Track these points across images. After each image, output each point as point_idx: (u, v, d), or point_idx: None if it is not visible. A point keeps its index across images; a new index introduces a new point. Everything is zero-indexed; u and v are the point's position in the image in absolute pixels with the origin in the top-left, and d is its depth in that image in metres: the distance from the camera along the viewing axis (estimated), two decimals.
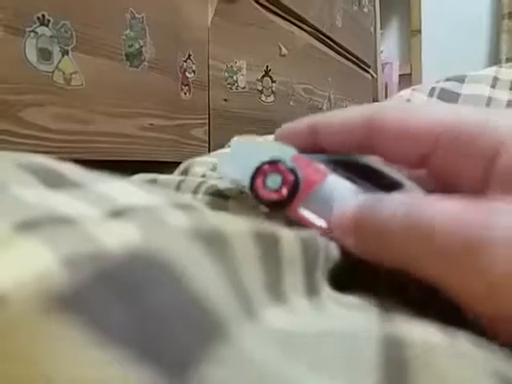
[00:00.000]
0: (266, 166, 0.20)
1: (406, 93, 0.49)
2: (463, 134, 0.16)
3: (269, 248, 0.12)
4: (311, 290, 0.14)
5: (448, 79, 0.48)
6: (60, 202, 0.11)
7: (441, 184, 0.18)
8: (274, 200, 0.19)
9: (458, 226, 0.14)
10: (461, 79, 0.48)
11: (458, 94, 0.47)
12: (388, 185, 0.19)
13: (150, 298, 0.08)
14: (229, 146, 0.23)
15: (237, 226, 0.12)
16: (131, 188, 0.13)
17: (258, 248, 0.12)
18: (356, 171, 0.20)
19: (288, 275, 0.13)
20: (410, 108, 0.18)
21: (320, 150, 0.20)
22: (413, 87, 0.50)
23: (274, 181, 0.20)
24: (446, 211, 0.14)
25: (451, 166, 0.17)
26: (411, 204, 0.15)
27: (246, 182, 0.20)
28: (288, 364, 0.09)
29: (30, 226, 0.09)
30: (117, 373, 0.07)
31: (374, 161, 0.20)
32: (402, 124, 0.18)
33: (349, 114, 0.19)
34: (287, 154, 0.20)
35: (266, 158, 0.20)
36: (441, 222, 0.14)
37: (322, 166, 0.20)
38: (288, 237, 0.13)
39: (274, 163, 0.20)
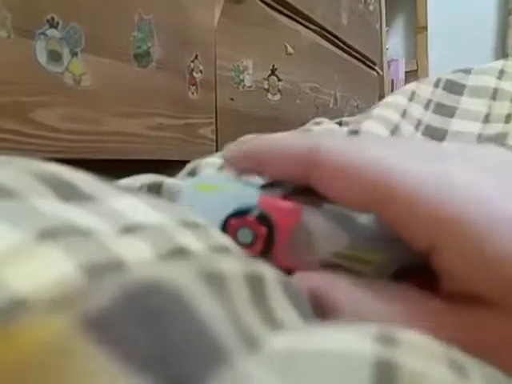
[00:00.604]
0: (233, 221, 0.18)
1: (411, 85, 0.49)
2: (401, 204, 0.15)
3: (258, 288, 0.13)
4: (303, 320, 0.14)
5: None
6: (74, 214, 0.11)
7: None
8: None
9: None
10: (467, 71, 0.48)
11: (464, 86, 0.47)
12: None
13: (168, 327, 0.08)
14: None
15: (231, 266, 0.12)
16: (141, 205, 0.13)
17: (249, 289, 0.12)
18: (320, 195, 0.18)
19: (278, 310, 0.13)
20: (350, 147, 0.17)
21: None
22: (412, 89, 0.49)
23: (245, 236, 0.18)
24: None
25: (394, 226, 0.16)
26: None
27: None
28: (285, 382, 0.09)
29: (50, 235, 0.09)
30: None
31: None
32: (340, 167, 0.16)
33: (289, 147, 0.18)
34: (251, 196, 0.18)
35: (230, 208, 0.18)
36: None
37: (291, 204, 0.18)
38: (271, 277, 0.14)
39: (240, 215, 0.18)
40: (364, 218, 0.18)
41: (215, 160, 0.42)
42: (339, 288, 0.16)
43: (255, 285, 0.12)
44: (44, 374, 0.07)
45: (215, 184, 0.19)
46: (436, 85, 0.48)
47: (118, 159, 0.57)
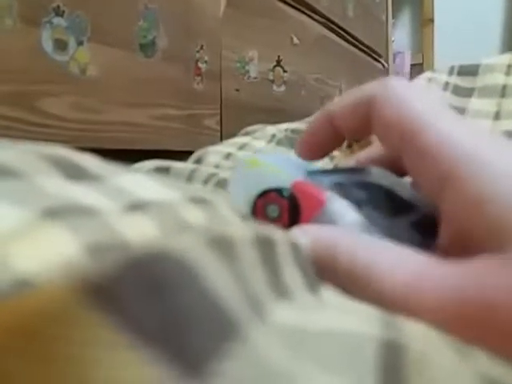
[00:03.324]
0: (264, 197, 0.20)
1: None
2: (423, 146, 0.16)
3: (267, 252, 0.13)
4: (311, 288, 0.14)
5: (460, 71, 0.47)
6: (80, 193, 0.11)
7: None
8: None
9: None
10: (474, 71, 0.47)
11: (473, 89, 0.46)
12: (397, 207, 0.19)
13: (175, 297, 0.08)
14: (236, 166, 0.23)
15: (240, 231, 0.12)
16: (149, 182, 0.13)
17: (258, 252, 0.12)
18: (366, 193, 0.20)
19: (287, 275, 0.13)
20: (403, 100, 0.18)
21: (341, 136, 0.21)
22: (428, 76, 0.49)
23: (273, 210, 0.20)
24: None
25: (414, 169, 0.17)
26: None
27: (248, 208, 0.20)
28: (296, 361, 0.09)
29: (54, 214, 0.09)
30: (152, 373, 0.07)
31: (387, 177, 0.20)
32: (384, 116, 0.18)
33: (353, 98, 0.19)
34: (288, 180, 0.20)
35: (266, 186, 0.20)
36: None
37: (322, 192, 0.19)
38: (281, 240, 0.14)
39: (272, 192, 0.20)
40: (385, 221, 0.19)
41: (220, 148, 0.42)
42: (341, 239, 0.17)
43: (264, 248, 0.12)
44: (41, 342, 0.06)
45: (264, 162, 0.21)
46: (444, 89, 0.47)
47: (122, 149, 0.57)
